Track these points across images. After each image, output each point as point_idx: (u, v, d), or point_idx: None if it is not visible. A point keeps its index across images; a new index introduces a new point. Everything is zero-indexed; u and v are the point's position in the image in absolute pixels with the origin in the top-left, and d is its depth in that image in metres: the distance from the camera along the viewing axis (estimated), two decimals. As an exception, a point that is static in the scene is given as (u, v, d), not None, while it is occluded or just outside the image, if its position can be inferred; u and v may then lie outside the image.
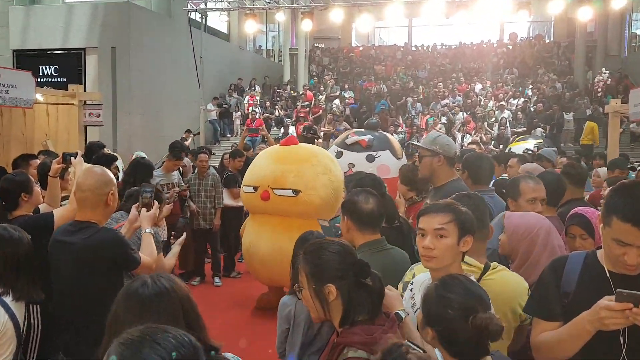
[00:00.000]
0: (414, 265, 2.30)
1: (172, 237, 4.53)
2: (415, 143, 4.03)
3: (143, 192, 2.89)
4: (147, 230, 2.82)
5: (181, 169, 7.13)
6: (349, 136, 6.72)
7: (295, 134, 16.65)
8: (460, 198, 2.22)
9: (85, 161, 3.54)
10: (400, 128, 17.57)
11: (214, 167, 7.60)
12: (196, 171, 6.92)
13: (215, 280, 6.98)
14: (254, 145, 15.41)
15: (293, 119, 18.53)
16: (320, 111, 18.54)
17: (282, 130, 17.44)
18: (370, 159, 6.50)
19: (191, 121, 16.71)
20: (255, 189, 5.02)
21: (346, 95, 19.33)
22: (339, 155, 6.40)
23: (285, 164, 5.02)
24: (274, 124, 19.22)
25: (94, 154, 5.53)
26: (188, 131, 14.53)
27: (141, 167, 5.02)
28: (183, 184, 6.76)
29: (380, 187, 3.09)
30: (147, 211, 2.84)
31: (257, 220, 5.23)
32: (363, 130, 7.04)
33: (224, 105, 18.60)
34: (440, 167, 3.34)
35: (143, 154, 7.28)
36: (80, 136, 6.74)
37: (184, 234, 3.38)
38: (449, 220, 1.90)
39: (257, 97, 19.37)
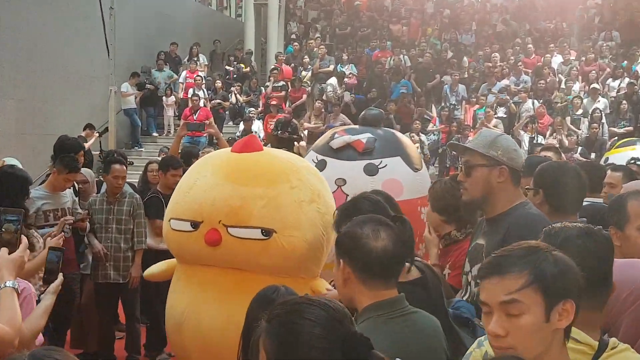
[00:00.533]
0: (482, 339, 2.34)
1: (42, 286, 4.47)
2: (462, 144, 4.05)
3: (3, 221, 2.95)
4: (6, 284, 2.85)
5: (77, 187, 7.16)
6: (336, 135, 6.65)
7: (262, 133, 16.82)
8: (553, 234, 2.30)
9: None
10: (432, 124, 17.84)
11: (132, 185, 7.62)
12: (104, 190, 7.07)
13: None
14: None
15: (260, 109, 18.67)
16: (304, 96, 18.79)
17: (241, 126, 17.57)
18: (371, 170, 6.42)
19: (96, 111, 16.79)
20: (195, 225, 4.85)
21: (345, 71, 19.73)
22: (320, 165, 6.31)
23: (247, 185, 4.88)
24: (228, 117, 19.34)
25: None
26: (90, 127, 14.55)
27: (9, 182, 5.04)
28: (80, 211, 6.90)
29: (388, 210, 3.15)
30: (8, 253, 2.90)
31: (195, 276, 5.04)
32: (357, 126, 7.05)
33: (148, 86, 18.80)
34: (501, 185, 3.42)
35: (15, 162, 7.30)
36: None
37: (59, 275, 3.44)
38: (525, 284, 1.91)
39: (202, 74, 19.56)
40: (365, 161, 6.34)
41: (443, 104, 18.40)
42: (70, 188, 6.75)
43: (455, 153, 16.34)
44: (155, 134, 19.19)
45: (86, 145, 12.68)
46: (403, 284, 2.87)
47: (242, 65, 21.01)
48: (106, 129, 15.81)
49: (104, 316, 7.19)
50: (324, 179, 5.34)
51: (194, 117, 16.72)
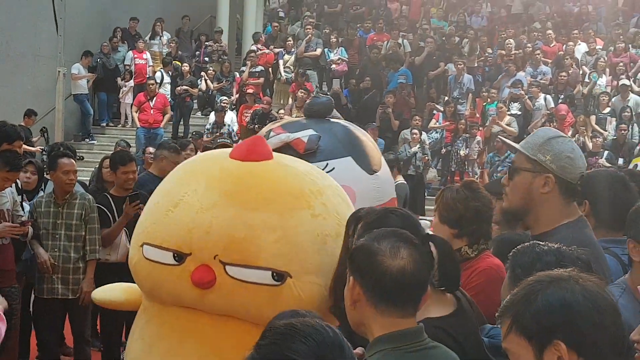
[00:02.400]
0: None
1: None
2: (510, 142, 3.98)
3: None
4: None
5: (20, 184, 7.10)
6: (272, 133, 6.46)
7: (235, 126, 16.76)
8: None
9: None
10: (434, 120, 17.81)
11: (83, 184, 7.56)
12: (51, 190, 7.03)
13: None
14: (150, 143, 15.46)
15: (234, 98, 18.60)
16: (291, 86, 18.79)
17: (211, 117, 17.53)
18: None
19: (41, 96, 16.66)
20: (180, 257, 4.24)
21: (333, 56, 19.77)
22: None
23: (255, 210, 4.27)
24: (196, 106, 19.27)
25: None
26: (31, 113, 14.44)
27: None
28: (22, 213, 6.85)
29: (418, 227, 3.15)
30: None
31: (171, 322, 4.47)
32: (300, 119, 6.97)
33: (102, 68, 18.73)
34: (545, 197, 3.41)
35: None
36: None
37: None
38: (507, 330, 2.03)
39: (162, 51, 19.51)
40: (307, 164, 6.17)
41: (447, 98, 18.43)
42: (10, 186, 6.67)
43: (462, 155, 16.44)
44: (109, 125, 19.11)
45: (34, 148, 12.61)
46: (439, 319, 2.92)
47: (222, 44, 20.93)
48: (45, 129, 15.61)
49: (48, 336, 7.11)
50: (351, 204, 4.79)
51: (151, 104, 16.68)
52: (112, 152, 11.35)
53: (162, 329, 4.41)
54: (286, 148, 5.99)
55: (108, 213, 7.23)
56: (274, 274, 4.03)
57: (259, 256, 4.06)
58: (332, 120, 6.75)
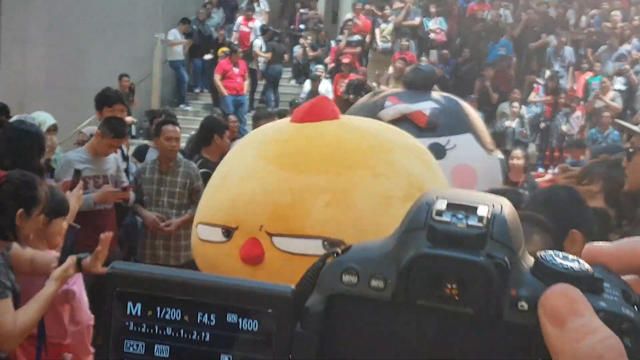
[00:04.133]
0: None
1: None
2: (626, 124, 3.88)
3: None
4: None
5: (125, 150, 7.31)
6: (387, 103, 6.01)
7: (331, 95, 16.80)
8: None
9: None
10: (534, 93, 17.55)
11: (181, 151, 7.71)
12: (155, 158, 7.21)
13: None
14: (237, 112, 15.56)
15: (329, 66, 18.64)
16: (393, 55, 18.57)
17: (306, 86, 17.55)
18: (438, 152, 5.42)
19: (137, 62, 16.99)
20: (228, 233, 3.89)
21: (432, 25, 19.55)
22: None
23: (303, 172, 3.95)
24: (292, 74, 19.39)
25: None
26: (124, 77, 14.80)
27: (19, 140, 5.29)
28: (125, 179, 7.02)
29: (584, 207, 3.04)
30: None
31: None
32: (408, 90, 6.38)
33: (198, 34, 18.83)
34: None
35: (46, 116, 7.48)
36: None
37: (69, 258, 3.68)
38: None
39: (258, 22, 19.59)
40: (428, 139, 5.40)
41: (549, 71, 18.14)
42: (114, 152, 6.89)
43: (563, 129, 16.15)
44: (204, 90, 19.13)
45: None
46: None
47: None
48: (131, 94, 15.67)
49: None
50: (436, 164, 4.26)
51: (235, 71, 16.83)
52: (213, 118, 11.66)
53: None
54: (403, 120, 5.60)
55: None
56: (325, 243, 3.59)
57: (306, 223, 3.66)
58: (434, 93, 6.26)
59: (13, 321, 3.44)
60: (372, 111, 5.66)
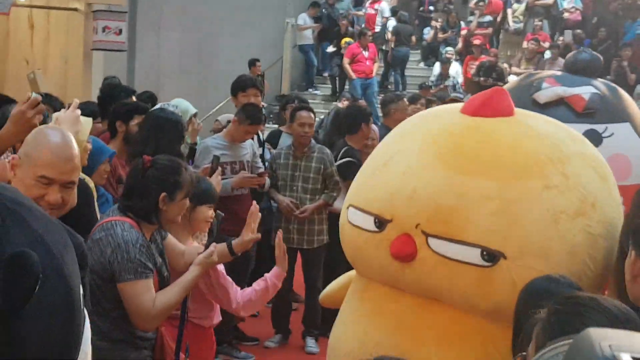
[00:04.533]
0: None
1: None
2: None
3: None
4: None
5: (262, 136, 7.42)
6: (544, 84, 5.86)
7: (460, 78, 16.62)
8: None
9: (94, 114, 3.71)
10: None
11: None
12: (290, 143, 7.30)
13: (309, 342, 7.39)
14: (366, 95, 15.46)
15: (458, 48, 18.41)
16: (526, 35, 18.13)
17: (436, 68, 17.27)
18: (594, 139, 5.21)
19: (267, 47, 17.17)
20: (381, 223, 3.83)
21: (567, 4, 19.03)
22: None
23: (470, 174, 3.73)
24: (421, 57, 19.24)
25: (114, 101, 5.96)
26: (254, 62, 14.94)
27: (161, 127, 5.41)
28: (261, 165, 7.12)
29: None
30: None
31: (373, 300, 4.04)
32: (567, 74, 6.17)
33: (327, 18, 18.68)
34: None
35: (185, 105, 7.67)
36: (86, 68, 7.23)
37: (212, 246, 3.83)
38: None
39: (385, 4, 19.31)
40: (585, 125, 5.43)
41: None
42: (251, 139, 6.99)
43: None
44: (330, 74, 18.92)
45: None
46: None
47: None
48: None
49: (284, 284, 7.38)
50: (610, 174, 4.04)
51: (365, 54, 16.71)
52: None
53: (361, 305, 4.06)
54: (559, 103, 5.52)
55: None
56: (484, 253, 3.49)
57: (468, 230, 3.53)
58: (594, 80, 6.02)
59: (152, 302, 3.53)
60: (527, 92, 5.62)
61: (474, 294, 3.52)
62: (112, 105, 5.90)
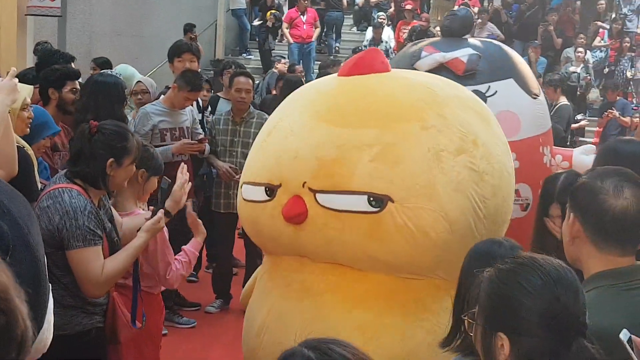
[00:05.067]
0: None
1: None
2: None
3: None
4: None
5: (201, 103, 7.42)
6: (423, 53, 5.84)
7: (393, 43, 16.67)
8: None
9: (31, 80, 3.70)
10: (599, 38, 17.19)
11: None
12: (230, 109, 7.27)
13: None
14: (303, 62, 15.44)
15: (390, 12, 18.45)
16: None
17: (368, 33, 17.11)
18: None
19: (200, 11, 17.02)
20: (271, 191, 3.73)
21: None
22: None
23: (348, 126, 3.66)
24: (353, 22, 19.20)
25: (47, 66, 5.90)
26: (191, 27, 14.70)
27: (102, 91, 5.44)
28: (200, 131, 7.11)
29: None
30: None
31: (280, 274, 3.95)
32: (445, 40, 6.14)
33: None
34: None
35: (130, 71, 7.62)
36: (20, 34, 7.14)
37: (159, 212, 3.85)
38: None
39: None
40: (468, 87, 4.96)
41: (614, 14, 17.57)
42: (190, 105, 6.93)
43: (628, 75, 15.83)
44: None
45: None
46: None
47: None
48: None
49: (223, 249, 7.48)
50: (493, 118, 4.06)
51: (303, 19, 16.55)
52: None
53: (269, 281, 3.99)
54: (440, 69, 5.47)
55: None
56: (371, 199, 3.42)
57: (352, 179, 3.47)
58: (471, 39, 6.20)
59: (100, 268, 3.51)
60: (409, 62, 5.68)
61: (367, 243, 3.46)
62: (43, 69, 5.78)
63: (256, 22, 17.82)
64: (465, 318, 2.23)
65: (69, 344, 3.42)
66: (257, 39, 17.61)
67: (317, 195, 3.51)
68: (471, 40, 6.11)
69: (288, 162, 3.66)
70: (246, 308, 4.17)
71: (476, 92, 5.16)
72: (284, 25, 16.77)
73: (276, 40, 17.22)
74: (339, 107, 3.74)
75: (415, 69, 5.45)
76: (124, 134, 3.76)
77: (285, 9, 18.25)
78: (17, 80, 3.68)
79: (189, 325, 6.92)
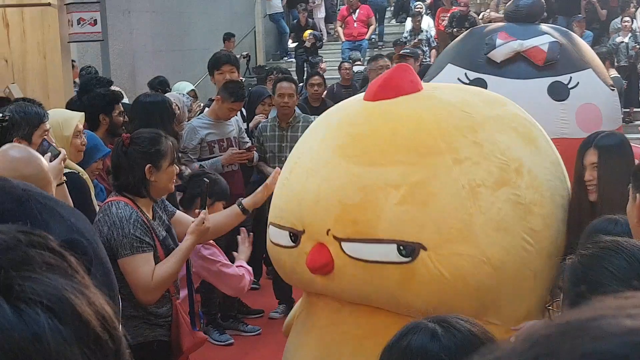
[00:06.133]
0: None
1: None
2: None
3: None
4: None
5: (245, 112, 7.53)
6: (497, 40, 5.56)
7: (433, 31, 16.55)
8: None
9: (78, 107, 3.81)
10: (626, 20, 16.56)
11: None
12: (275, 115, 7.30)
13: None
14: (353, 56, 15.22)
15: (428, 2, 18.29)
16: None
17: (408, 24, 16.75)
18: (560, 92, 5.36)
19: (237, 20, 17.15)
20: (295, 236, 3.47)
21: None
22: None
23: (372, 164, 3.31)
24: (391, 13, 19.11)
25: (88, 92, 6.05)
26: (229, 36, 14.85)
27: (152, 110, 5.58)
28: (247, 140, 7.19)
29: None
30: None
31: (317, 314, 3.70)
32: (515, 25, 5.86)
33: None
34: None
35: (183, 85, 7.69)
36: (65, 62, 7.33)
37: (202, 213, 3.92)
38: None
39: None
40: (549, 79, 5.40)
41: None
42: (234, 116, 6.99)
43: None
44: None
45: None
46: None
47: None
48: (248, 56, 15.86)
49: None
50: (541, 135, 3.65)
51: (354, 17, 16.53)
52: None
53: (308, 320, 3.73)
54: (518, 58, 5.32)
55: None
56: (401, 248, 3.09)
57: (378, 226, 3.12)
58: (542, 25, 5.94)
59: (150, 274, 3.60)
60: (481, 51, 5.47)
61: (402, 295, 3.14)
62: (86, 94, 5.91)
63: (291, 44, 17.83)
64: (551, 308, 2.18)
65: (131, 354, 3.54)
66: (294, 60, 17.38)
67: (343, 244, 3.19)
68: (544, 26, 5.81)
69: (310, 206, 3.33)
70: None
71: (558, 83, 5.29)
72: (338, 23, 16.95)
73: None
74: (362, 141, 3.37)
75: (488, 59, 5.33)
76: (156, 138, 3.86)
77: (322, 23, 18.38)
78: (63, 162, 3.75)
79: (255, 333, 6.90)
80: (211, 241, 4.67)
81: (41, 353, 0.81)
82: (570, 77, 5.37)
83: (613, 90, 5.66)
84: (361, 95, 3.75)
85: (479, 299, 3.08)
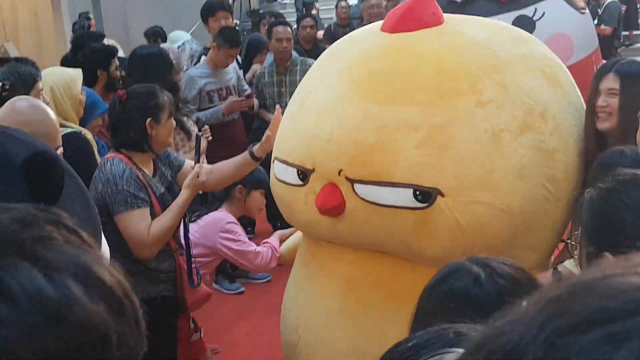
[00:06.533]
0: None
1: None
2: None
3: None
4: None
5: (240, 59, 7.48)
6: None
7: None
8: None
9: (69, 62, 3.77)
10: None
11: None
12: (272, 60, 7.23)
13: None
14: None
15: None
16: None
17: None
18: (526, 25, 4.99)
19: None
20: (303, 174, 3.30)
21: None
22: None
23: (390, 103, 3.13)
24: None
25: (82, 47, 5.99)
26: None
27: (151, 63, 5.50)
28: (247, 87, 7.13)
29: None
30: None
31: (317, 260, 3.59)
32: None
33: None
34: None
35: (180, 34, 7.61)
36: (57, 18, 7.28)
37: (197, 165, 3.92)
38: None
39: None
40: (512, 13, 5.31)
41: None
42: (232, 62, 6.92)
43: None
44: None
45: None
46: None
47: None
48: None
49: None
50: (564, 75, 3.44)
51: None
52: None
53: (307, 269, 3.63)
54: None
55: None
56: (417, 192, 2.93)
57: (394, 168, 2.96)
58: None
59: (146, 229, 3.61)
60: None
61: (414, 241, 3.01)
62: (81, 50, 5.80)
63: None
64: (569, 241, 2.15)
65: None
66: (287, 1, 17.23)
67: (355, 185, 3.03)
68: None
69: (321, 145, 3.14)
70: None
71: (523, 17, 5.14)
72: None
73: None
74: (378, 76, 3.16)
75: (449, 0, 5.18)
76: (153, 92, 3.84)
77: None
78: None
79: (265, 280, 6.91)
80: (234, 219, 4.76)
81: (75, 314, 0.85)
82: (535, 9, 5.27)
83: (584, 13, 5.52)
84: (377, 24, 3.52)
85: (493, 248, 2.84)
